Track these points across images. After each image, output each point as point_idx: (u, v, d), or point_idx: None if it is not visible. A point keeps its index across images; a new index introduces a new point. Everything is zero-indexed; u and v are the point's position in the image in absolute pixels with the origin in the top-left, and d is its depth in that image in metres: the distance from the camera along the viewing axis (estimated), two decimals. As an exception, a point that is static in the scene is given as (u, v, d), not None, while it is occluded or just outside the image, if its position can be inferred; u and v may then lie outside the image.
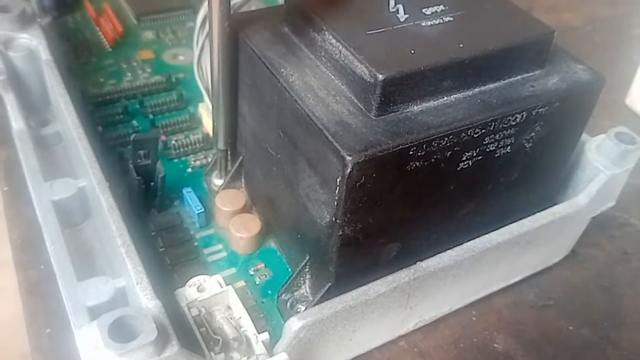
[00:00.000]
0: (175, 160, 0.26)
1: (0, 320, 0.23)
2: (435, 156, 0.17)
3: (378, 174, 0.16)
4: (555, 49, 0.20)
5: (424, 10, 0.19)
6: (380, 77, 0.16)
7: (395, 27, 0.18)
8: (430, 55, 0.17)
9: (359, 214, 0.17)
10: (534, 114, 0.18)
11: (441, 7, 0.19)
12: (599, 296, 0.25)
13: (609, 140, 0.22)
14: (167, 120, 0.27)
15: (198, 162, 0.26)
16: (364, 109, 0.17)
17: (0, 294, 0.24)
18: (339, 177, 0.16)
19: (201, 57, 0.28)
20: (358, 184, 0.16)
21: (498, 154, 0.19)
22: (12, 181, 0.27)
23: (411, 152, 0.17)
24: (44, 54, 0.26)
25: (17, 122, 0.25)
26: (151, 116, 0.28)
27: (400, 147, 0.16)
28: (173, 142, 0.27)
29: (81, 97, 0.28)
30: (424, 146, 0.17)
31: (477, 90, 0.18)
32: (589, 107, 0.20)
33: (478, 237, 0.21)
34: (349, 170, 0.16)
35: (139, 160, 0.22)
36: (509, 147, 0.19)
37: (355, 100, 0.17)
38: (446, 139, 0.17)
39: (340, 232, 0.17)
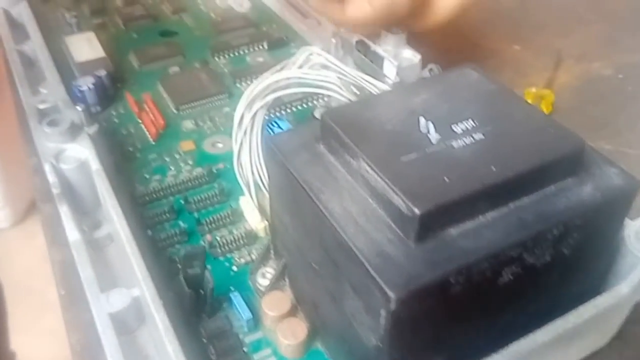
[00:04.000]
0: (221, 259, 0.27)
1: None
2: (475, 278, 0.18)
3: (421, 303, 0.17)
4: (587, 152, 0.20)
5: (454, 128, 0.20)
6: (418, 211, 0.17)
7: (427, 150, 0.19)
8: (464, 183, 0.18)
9: (405, 339, 0.18)
10: (570, 226, 0.19)
11: (471, 122, 0.20)
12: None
13: (648, 227, 0.23)
14: (210, 216, 0.29)
15: (243, 260, 0.27)
16: (403, 237, 0.18)
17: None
18: (383, 309, 0.17)
19: (240, 153, 0.29)
20: (402, 314, 0.17)
21: (537, 264, 0.19)
22: (69, 285, 0.28)
23: (452, 280, 0.17)
24: (94, 164, 0.27)
25: (72, 233, 0.26)
26: (196, 214, 0.29)
27: (442, 277, 0.17)
28: (217, 238, 0.28)
29: (130, 200, 0.29)
30: (464, 272, 0.17)
31: (512, 205, 0.19)
32: (625, 209, 0.20)
33: (522, 335, 0.21)
34: (392, 305, 0.16)
35: (188, 271, 0.24)
36: (547, 257, 0.19)
37: (394, 227, 0.18)
38: (485, 262, 0.18)
39: (387, 357, 0.18)
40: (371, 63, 0.35)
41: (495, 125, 0.20)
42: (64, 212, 0.27)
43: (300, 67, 0.31)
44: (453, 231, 0.18)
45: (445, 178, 0.18)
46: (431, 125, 0.20)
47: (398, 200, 0.17)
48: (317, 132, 0.21)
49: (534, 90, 0.39)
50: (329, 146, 0.21)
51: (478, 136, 0.19)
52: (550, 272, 0.20)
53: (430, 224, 0.17)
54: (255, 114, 0.29)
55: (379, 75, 0.35)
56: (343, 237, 0.18)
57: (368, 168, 0.19)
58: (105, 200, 0.27)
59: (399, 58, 0.35)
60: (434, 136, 0.19)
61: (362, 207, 0.19)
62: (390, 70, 0.34)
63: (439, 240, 0.18)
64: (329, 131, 0.21)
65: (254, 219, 0.28)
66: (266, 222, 0.28)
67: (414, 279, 0.17)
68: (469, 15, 0.50)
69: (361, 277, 0.18)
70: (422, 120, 0.20)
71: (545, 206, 0.19)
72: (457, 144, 0.19)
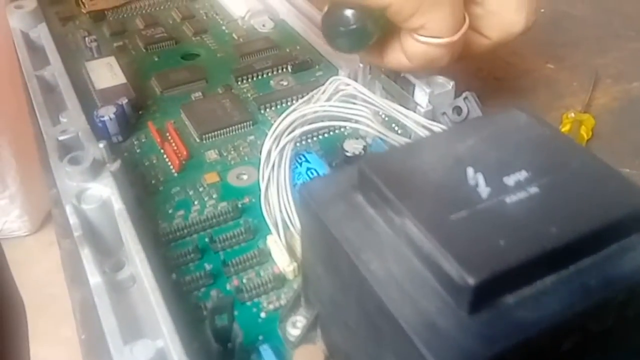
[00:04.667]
0: (249, 304, 0.26)
1: None
2: (533, 351, 0.16)
3: (475, 382, 0.15)
4: (651, 205, 0.18)
5: (505, 180, 0.18)
6: (472, 281, 0.15)
7: (478, 206, 0.17)
8: (521, 247, 0.16)
9: (456, 418, 0.16)
10: (637, 290, 0.17)
11: (524, 173, 0.18)
12: None
13: None
14: (237, 257, 0.27)
15: (271, 306, 0.25)
16: (454, 306, 0.16)
17: None
18: (433, 388, 0.15)
19: (267, 190, 0.27)
20: (454, 394, 0.15)
21: (599, 330, 0.18)
22: (90, 330, 0.27)
23: (509, 357, 0.15)
24: (116, 204, 0.26)
25: (93, 277, 0.25)
26: (221, 253, 0.28)
27: (499, 353, 0.15)
28: (244, 281, 0.26)
29: (153, 239, 0.28)
30: (523, 347, 0.16)
31: (572, 268, 0.17)
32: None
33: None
34: (444, 387, 0.15)
35: (216, 323, 0.22)
36: (610, 321, 0.18)
37: (444, 294, 0.16)
38: (546, 335, 0.16)
39: None
40: (401, 89, 0.34)
41: (550, 177, 0.18)
42: (85, 255, 0.26)
43: (329, 98, 0.30)
44: (509, 299, 0.16)
45: (500, 241, 0.16)
46: (481, 177, 0.18)
47: (449, 267, 0.16)
48: (354, 179, 0.20)
49: (572, 114, 0.37)
50: (368, 198, 0.19)
51: (533, 190, 0.18)
52: (611, 336, 0.18)
53: (486, 293, 0.16)
54: (282, 148, 0.28)
55: (409, 103, 0.33)
56: (386, 304, 0.16)
57: (414, 227, 0.17)
58: (128, 242, 0.26)
59: (430, 84, 0.33)
60: (484, 190, 0.18)
61: (407, 269, 0.17)
62: (421, 97, 0.33)
63: (494, 310, 0.16)
64: (368, 182, 0.19)
65: (282, 261, 0.27)
66: (295, 264, 0.27)
67: (467, 355, 0.15)
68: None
69: (407, 350, 0.16)
70: (470, 171, 0.18)
71: (610, 268, 0.17)
72: (510, 199, 0.18)
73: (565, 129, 0.36)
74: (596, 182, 0.18)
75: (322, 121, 0.29)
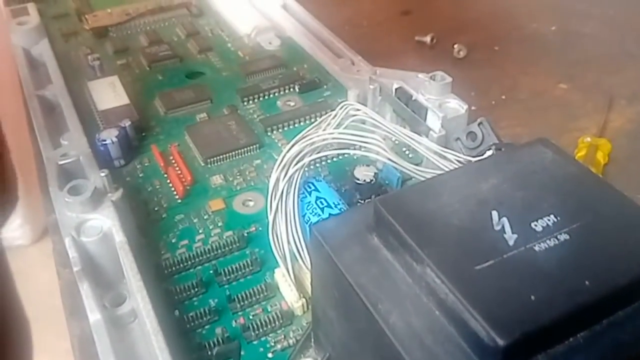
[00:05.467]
0: (255, 343, 0.24)
1: None
2: (566, 414, 0.15)
3: None
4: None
5: (533, 226, 0.17)
6: (502, 342, 0.14)
7: (505, 256, 0.16)
8: (553, 303, 0.15)
9: None
10: (675, 347, 0.16)
11: (552, 217, 0.17)
12: None
13: None
14: (243, 291, 0.26)
15: (279, 345, 0.24)
16: (480, 366, 0.15)
17: None
18: None
19: (275, 222, 0.26)
20: None
21: (633, 388, 0.16)
22: (88, 364, 0.26)
23: (541, 423, 0.14)
24: (118, 236, 0.25)
25: (93, 314, 0.24)
26: (226, 287, 0.27)
27: (529, 421, 0.14)
28: (251, 317, 0.25)
29: (155, 272, 0.27)
30: (555, 412, 0.14)
31: (605, 322, 0.16)
32: None
33: None
34: None
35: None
36: (645, 378, 0.16)
37: (469, 352, 0.15)
38: (579, 399, 0.15)
39: None
40: (412, 113, 0.33)
41: (581, 222, 0.17)
42: (85, 291, 0.25)
43: (340, 124, 0.29)
44: (540, 359, 0.15)
45: (530, 296, 0.15)
46: (506, 222, 0.17)
47: (476, 325, 0.15)
48: (369, 218, 0.19)
49: (588, 139, 0.36)
50: (385, 241, 0.18)
51: (563, 237, 0.17)
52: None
53: (516, 354, 0.15)
54: (291, 177, 0.27)
55: (421, 126, 0.32)
56: (408, 361, 0.15)
57: (436, 278, 0.16)
58: (129, 276, 0.24)
59: (443, 108, 0.32)
60: (510, 236, 0.17)
61: (429, 323, 0.16)
62: (434, 122, 0.32)
63: (524, 370, 0.15)
64: (385, 224, 0.18)
65: (290, 296, 0.26)
66: (304, 299, 0.25)
67: (497, 423, 0.14)
68: (508, 50, 0.47)
69: (430, 412, 0.15)
70: (495, 214, 0.17)
71: (645, 323, 0.16)
72: (538, 247, 0.16)
73: (581, 153, 0.35)
74: (629, 227, 0.17)
75: (332, 149, 0.28)
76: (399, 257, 0.17)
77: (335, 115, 0.29)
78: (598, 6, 0.52)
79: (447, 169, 0.28)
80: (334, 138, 0.28)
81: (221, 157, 0.33)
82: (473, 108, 0.32)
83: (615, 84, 0.43)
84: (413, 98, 0.33)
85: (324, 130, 0.28)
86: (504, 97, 0.42)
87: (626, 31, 0.49)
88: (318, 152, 0.28)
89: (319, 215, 0.27)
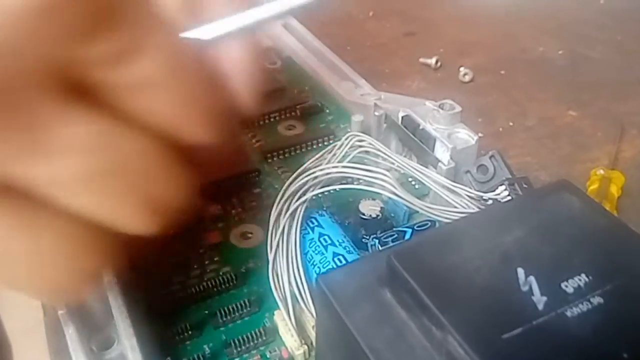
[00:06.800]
0: (254, 396, 0.23)
1: None
2: None
3: None
4: None
5: (564, 286, 0.15)
6: None
7: (534, 322, 0.15)
8: (591, 381, 0.14)
9: None
10: None
11: (584, 277, 0.16)
12: None
13: None
14: (240, 335, 0.24)
15: (280, 398, 0.23)
16: None
17: None
18: None
19: (275, 261, 0.25)
20: None
21: None
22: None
23: None
24: (106, 274, 0.24)
25: (78, 358, 0.22)
26: (222, 329, 0.25)
27: None
28: (249, 366, 0.24)
29: (146, 313, 0.25)
30: None
31: (645, 399, 0.14)
32: None
33: None
34: None
35: None
36: None
37: None
38: None
39: None
40: (420, 143, 0.31)
41: (615, 283, 0.16)
42: (70, 335, 0.23)
43: (345, 155, 0.27)
44: None
45: (565, 371, 0.14)
46: (534, 282, 0.15)
47: (506, 406, 0.13)
48: (380, 270, 0.17)
49: (601, 172, 0.35)
50: (400, 298, 0.17)
51: (596, 300, 0.15)
52: None
53: None
54: (293, 213, 0.25)
55: (428, 157, 0.31)
56: None
57: (459, 347, 0.14)
58: (118, 320, 0.23)
59: (452, 138, 0.31)
60: (539, 299, 0.15)
61: (450, 396, 0.14)
62: (443, 153, 0.30)
63: None
64: (399, 281, 0.16)
65: (291, 342, 0.24)
66: (306, 347, 0.24)
67: None
68: (514, 74, 0.46)
69: None
70: (521, 273, 0.16)
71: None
72: (570, 312, 0.15)
73: (594, 186, 0.34)
74: (669, 290, 0.16)
75: (337, 183, 0.26)
76: (416, 318, 0.16)
77: (340, 147, 0.28)
78: (604, 31, 0.51)
79: (457, 205, 0.27)
80: (338, 172, 0.26)
81: (218, 185, 0.32)
82: (480, 135, 0.31)
83: (625, 112, 0.42)
84: (420, 127, 0.31)
85: (328, 162, 0.27)
86: (511, 123, 0.41)
87: (635, 57, 0.48)
88: (321, 187, 0.26)
89: (322, 253, 0.26)
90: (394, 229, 0.28)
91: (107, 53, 0.13)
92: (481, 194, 0.27)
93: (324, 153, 0.28)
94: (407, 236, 0.28)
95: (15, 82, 0.12)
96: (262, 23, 0.18)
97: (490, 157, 0.29)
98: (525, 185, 0.24)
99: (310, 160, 0.27)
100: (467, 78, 0.45)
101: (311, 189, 0.26)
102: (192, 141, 0.15)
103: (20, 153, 0.12)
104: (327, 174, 0.26)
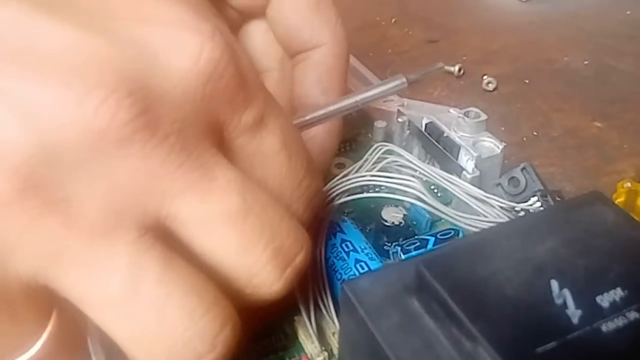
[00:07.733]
0: (273, 407, 0.23)
1: None
2: None
3: None
4: None
5: (599, 300, 0.15)
6: None
7: (569, 336, 0.14)
8: (630, 399, 0.13)
9: None
10: None
11: (619, 291, 0.15)
12: None
13: None
14: (259, 342, 0.24)
15: (300, 409, 0.22)
16: None
17: None
18: None
19: (298, 266, 0.24)
20: None
21: None
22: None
23: None
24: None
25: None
26: (242, 335, 0.25)
27: None
28: (267, 372, 0.23)
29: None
30: None
31: (683, 419, 0.14)
32: None
33: None
34: None
35: None
36: None
37: None
38: None
39: None
40: (444, 151, 0.31)
41: (652, 298, 0.15)
42: None
43: (374, 165, 0.27)
44: None
45: (602, 388, 0.13)
46: (568, 295, 0.15)
47: (540, 422, 0.13)
48: (408, 279, 0.17)
49: (628, 184, 0.34)
50: (428, 307, 0.16)
51: (632, 315, 0.15)
52: None
53: None
54: (319, 222, 0.25)
55: (451, 164, 0.30)
56: None
57: (490, 359, 0.14)
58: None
59: (477, 147, 0.30)
60: (574, 312, 0.15)
61: (481, 410, 0.14)
62: (467, 161, 0.30)
63: None
64: (428, 289, 0.16)
65: (311, 348, 0.24)
66: (326, 353, 0.23)
67: None
68: (539, 84, 0.46)
69: None
70: (555, 285, 0.15)
71: None
72: (606, 326, 0.14)
73: (620, 199, 0.33)
74: None
75: (362, 191, 0.26)
76: (445, 328, 0.16)
77: (367, 159, 0.27)
78: (630, 42, 0.51)
79: (487, 214, 0.26)
80: (366, 180, 0.26)
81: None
82: (504, 144, 0.30)
83: (652, 124, 0.41)
84: (445, 135, 0.31)
85: (355, 172, 0.27)
86: (535, 133, 0.40)
87: (662, 69, 0.47)
88: (352, 195, 0.26)
89: (344, 259, 0.25)
90: (417, 236, 0.28)
91: (251, 122, 0.16)
92: (513, 204, 0.27)
93: (353, 168, 0.28)
94: (430, 244, 0.27)
95: (189, 125, 0.14)
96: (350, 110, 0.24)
97: (522, 170, 0.29)
98: (558, 198, 0.24)
99: (340, 175, 0.27)
100: (490, 86, 0.45)
101: (338, 198, 0.25)
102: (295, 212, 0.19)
103: (186, 189, 0.14)
104: (354, 182, 0.26)
